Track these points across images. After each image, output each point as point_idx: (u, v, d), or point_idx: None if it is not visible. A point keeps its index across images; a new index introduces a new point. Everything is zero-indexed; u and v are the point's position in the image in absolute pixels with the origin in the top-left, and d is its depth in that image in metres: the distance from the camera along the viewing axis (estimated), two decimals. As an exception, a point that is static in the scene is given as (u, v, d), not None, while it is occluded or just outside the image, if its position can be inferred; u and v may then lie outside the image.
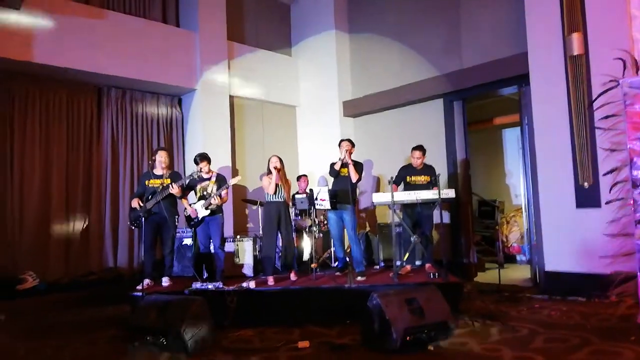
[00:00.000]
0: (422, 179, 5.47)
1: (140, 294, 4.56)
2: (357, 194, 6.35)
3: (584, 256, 4.92)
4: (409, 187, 5.45)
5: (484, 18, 6.40)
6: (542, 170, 5.49)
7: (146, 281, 5.00)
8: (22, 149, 5.95)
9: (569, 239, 5.15)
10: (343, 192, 5.35)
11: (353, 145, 5.54)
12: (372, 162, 7.70)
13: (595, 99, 4.75)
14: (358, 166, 5.48)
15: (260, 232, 6.28)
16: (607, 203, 4.68)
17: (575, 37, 5.11)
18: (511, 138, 8.78)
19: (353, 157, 5.50)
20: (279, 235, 5.38)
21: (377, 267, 6.20)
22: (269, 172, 5.31)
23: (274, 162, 5.26)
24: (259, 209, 6.44)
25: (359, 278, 5.13)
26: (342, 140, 5.58)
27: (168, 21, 7.35)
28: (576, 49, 5.12)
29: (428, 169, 5.51)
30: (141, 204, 5.11)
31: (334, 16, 8.10)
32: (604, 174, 4.76)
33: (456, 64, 6.65)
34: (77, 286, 5.92)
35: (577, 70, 5.13)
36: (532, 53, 5.55)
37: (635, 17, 4.67)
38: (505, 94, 6.93)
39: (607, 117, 4.62)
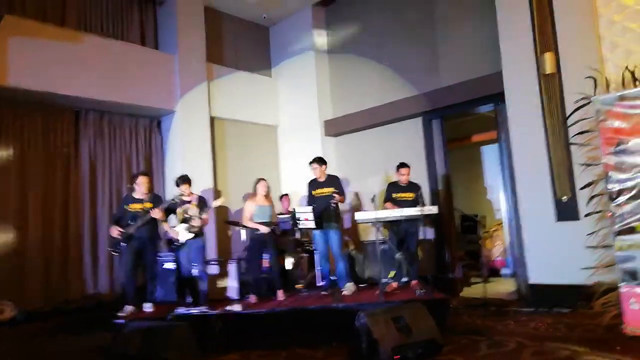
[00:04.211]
0: (408, 195, 5.52)
1: (122, 321, 4.43)
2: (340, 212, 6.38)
3: (566, 268, 5.00)
4: (395, 203, 5.49)
5: (460, 38, 6.59)
6: (521, 185, 5.60)
7: (128, 307, 4.86)
8: (-4, 175, 5.79)
9: (550, 252, 5.23)
10: (325, 211, 5.38)
11: (323, 163, 5.63)
12: (354, 180, 7.74)
13: (569, 115, 4.91)
14: (335, 181, 5.57)
15: (245, 254, 6.23)
16: (586, 216, 4.79)
17: (548, 57, 5.29)
18: (490, 154, 8.95)
19: (328, 171, 5.69)
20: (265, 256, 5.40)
21: (363, 285, 6.16)
22: (254, 194, 5.46)
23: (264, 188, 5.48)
24: (242, 230, 6.37)
25: (344, 292, 5.17)
26: (311, 162, 5.62)
27: (146, 44, 7.35)
28: (549, 68, 5.29)
29: (413, 186, 5.57)
30: (121, 230, 4.99)
31: (312, 37, 8.22)
32: (581, 188, 4.88)
33: (434, 83, 6.80)
34: (57, 314, 5.72)
35: (551, 88, 5.29)
36: (506, 72, 5.71)
37: (604, 38, 4.87)
38: (482, 112, 7.10)
39: (581, 133, 4.76)
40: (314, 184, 5.67)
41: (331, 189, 5.49)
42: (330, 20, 8.39)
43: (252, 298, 5.24)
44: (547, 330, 4.32)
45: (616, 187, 4.12)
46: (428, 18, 6.95)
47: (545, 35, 5.34)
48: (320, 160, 5.64)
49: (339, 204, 5.58)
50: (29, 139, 6.08)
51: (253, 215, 5.44)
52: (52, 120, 6.31)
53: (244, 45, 8.55)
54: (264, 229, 5.34)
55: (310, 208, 5.34)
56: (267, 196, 5.58)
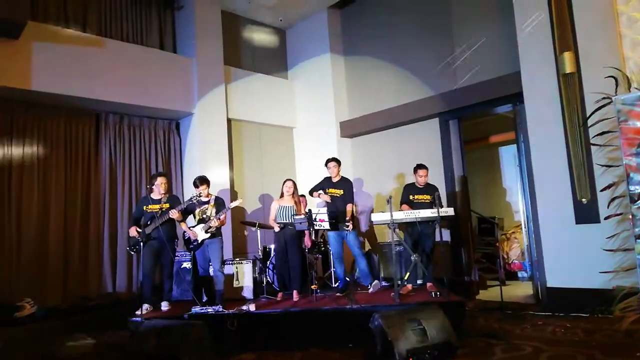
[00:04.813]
0: (425, 197, 5.48)
1: (139, 319, 4.51)
2: (357, 213, 6.41)
3: (585, 272, 4.91)
4: (412, 205, 5.47)
5: (477, 38, 6.51)
6: (540, 187, 5.52)
7: (145, 306, 4.95)
8: (20, 176, 5.94)
9: (569, 255, 5.14)
10: (340, 212, 5.41)
11: (340, 163, 5.73)
12: (369, 182, 7.73)
13: (589, 116, 4.81)
14: (347, 184, 5.64)
15: (260, 254, 6.30)
16: (606, 218, 4.69)
17: (567, 56, 5.20)
18: (508, 155, 8.83)
19: (342, 173, 5.79)
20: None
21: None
22: (282, 195, 5.61)
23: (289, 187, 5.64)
24: (258, 230, 6.43)
25: (370, 290, 5.34)
26: (328, 161, 5.72)
27: (165, 48, 7.46)
28: (568, 67, 5.20)
29: (430, 188, 5.53)
30: (139, 231, 5.09)
31: (328, 40, 8.24)
32: (602, 190, 4.79)
33: (451, 84, 6.74)
34: (75, 312, 5.85)
35: (570, 88, 5.20)
36: (525, 72, 5.63)
37: (624, 36, 4.77)
38: (500, 112, 7.01)
39: (602, 133, 4.66)
40: (327, 182, 5.71)
41: (341, 191, 5.57)
42: (346, 22, 8.40)
43: (279, 295, 5.41)
44: (565, 335, 4.25)
45: (637, 189, 4.04)
46: (445, 18, 6.90)
47: (564, 34, 5.26)
48: (337, 160, 5.73)
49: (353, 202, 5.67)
50: (51, 141, 6.24)
51: (276, 215, 5.56)
52: (74, 123, 6.46)
53: (260, 48, 8.63)
54: (276, 228, 5.42)
55: (325, 209, 5.36)
56: (293, 196, 5.63)
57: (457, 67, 6.72)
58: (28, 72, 5.68)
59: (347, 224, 5.41)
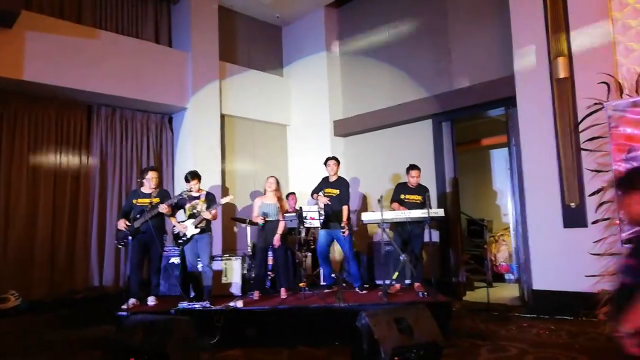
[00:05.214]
0: (416, 198, 5.49)
1: (125, 313, 4.48)
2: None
3: (572, 275, 4.95)
4: (403, 205, 5.48)
5: (472, 41, 6.54)
6: (529, 190, 5.55)
7: (132, 300, 4.91)
8: (9, 166, 5.90)
9: (556, 258, 5.18)
10: (334, 212, 5.41)
11: (338, 162, 5.73)
12: (361, 181, 7.74)
13: (581, 121, 4.85)
14: (343, 185, 5.63)
15: (249, 250, 6.27)
16: (593, 223, 4.73)
17: (561, 61, 5.23)
18: (499, 158, 8.89)
19: (339, 173, 5.76)
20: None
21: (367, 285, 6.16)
22: (265, 193, 5.52)
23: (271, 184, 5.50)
24: (248, 227, 6.41)
25: (360, 292, 5.35)
26: (328, 159, 5.72)
27: (160, 41, 7.42)
28: (561, 73, 5.23)
29: (421, 189, 5.54)
30: (128, 224, 5.05)
31: (325, 38, 8.24)
32: (590, 195, 4.83)
33: (445, 86, 6.76)
34: (61, 305, 5.80)
35: (563, 93, 5.23)
36: (518, 76, 5.67)
37: (618, 43, 4.80)
38: (493, 116, 7.04)
39: (592, 138, 4.71)
40: (325, 182, 5.72)
41: (337, 191, 5.55)
42: (343, 21, 8.40)
43: (256, 294, 5.27)
44: (549, 337, 4.29)
45: (625, 194, 4.06)
46: (441, 21, 6.92)
47: (558, 40, 5.29)
48: (337, 159, 5.74)
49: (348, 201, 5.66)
50: (42, 132, 6.18)
51: (258, 213, 5.49)
52: (65, 114, 6.41)
53: (256, 45, 8.61)
54: (260, 221, 5.34)
55: (315, 207, 5.36)
56: (275, 193, 5.58)
57: (452, 69, 6.74)
58: (20, 62, 5.63)
59: (342, 230, 5.40)
